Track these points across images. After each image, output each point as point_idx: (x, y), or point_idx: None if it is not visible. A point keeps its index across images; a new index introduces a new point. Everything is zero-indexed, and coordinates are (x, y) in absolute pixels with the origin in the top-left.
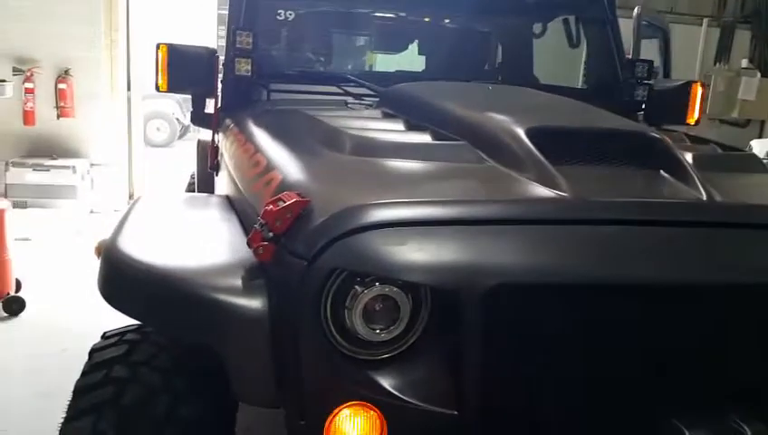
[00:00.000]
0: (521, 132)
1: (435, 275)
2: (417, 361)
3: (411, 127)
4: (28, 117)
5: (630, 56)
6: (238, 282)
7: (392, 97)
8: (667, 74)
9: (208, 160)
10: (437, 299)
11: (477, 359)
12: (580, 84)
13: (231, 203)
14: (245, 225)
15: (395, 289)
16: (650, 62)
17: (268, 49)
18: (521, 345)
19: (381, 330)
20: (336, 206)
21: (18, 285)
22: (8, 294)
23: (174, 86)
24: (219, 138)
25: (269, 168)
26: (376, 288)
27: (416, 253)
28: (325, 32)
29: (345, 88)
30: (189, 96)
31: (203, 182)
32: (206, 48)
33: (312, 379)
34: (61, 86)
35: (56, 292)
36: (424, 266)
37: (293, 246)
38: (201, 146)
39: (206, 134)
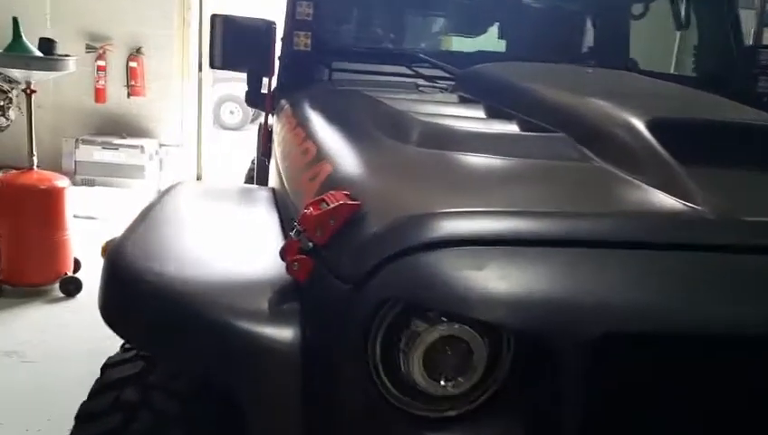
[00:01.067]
0: (640, 124)
1: (522, 315)
2: (494, 422)
3: (493, 114)
4: (99, 95)
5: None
6: (264, 305)
7: (470, 79)
8: None
9: (259, 146)
10: (524, 343)
11: (576, 422)
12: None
13: (276, 199)
14: (285, 229)
15: (467, 329)
16: None
17: (331, 22)
18: (637, 406)
19: (447, 381)
20: (393, 213)
21: (77, 265)
22: (66, 274)
23: (229, 62)
24: (273, 121)
25: (318, 158)
26: (442, 327)
27: (498, 282)
28: (396, 9)
29: (417, 69)
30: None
31: (262, 170)
32: (264, 20)
33: None
34: (132, 64)
35: None
36: (508, 302)
37: (337, 263)
38: (261, 131)
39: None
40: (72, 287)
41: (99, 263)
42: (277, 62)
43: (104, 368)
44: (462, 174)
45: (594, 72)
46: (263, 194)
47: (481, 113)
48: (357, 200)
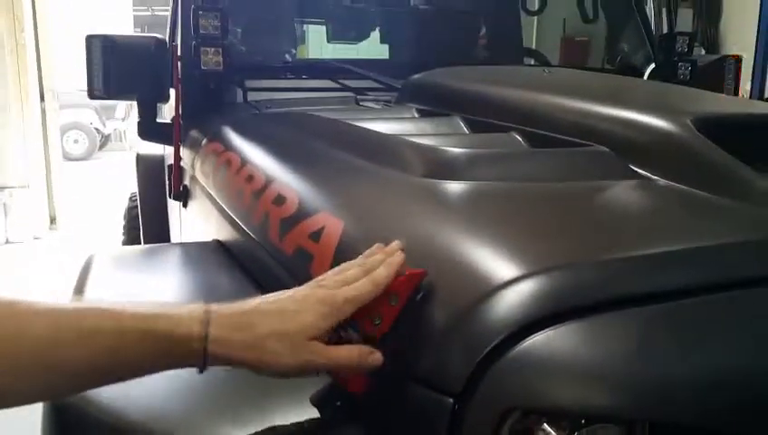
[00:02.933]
0: (691, 127)
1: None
2: None
3: (482, 127)
4: None
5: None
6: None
7: (423, 90)
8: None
9: (169, 186)
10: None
11: None
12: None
13: (234, 256)
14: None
15: (614, 427)
16: (691, 35)
17: (238, 35)
18: None
19: None
20: (482, 282)
21: None
22: None
23: (112, 90)
24: (184, 156)
25: (311, 208)
26: (587, 431)
27: (659, 362)
28: (285, 18)
29: (342, 82)
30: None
31: (149, 207)
32: (154, 38)
33: None
34: None
35: None
36: (681, 390)
37: (416, 363)
38: (142, 163)
39: (146, 147)
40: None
41: None
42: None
43: None
44: (522, 213)
45: (553, 71)
46: (209, 254)
47: (464, 129)
48: (417, 269)
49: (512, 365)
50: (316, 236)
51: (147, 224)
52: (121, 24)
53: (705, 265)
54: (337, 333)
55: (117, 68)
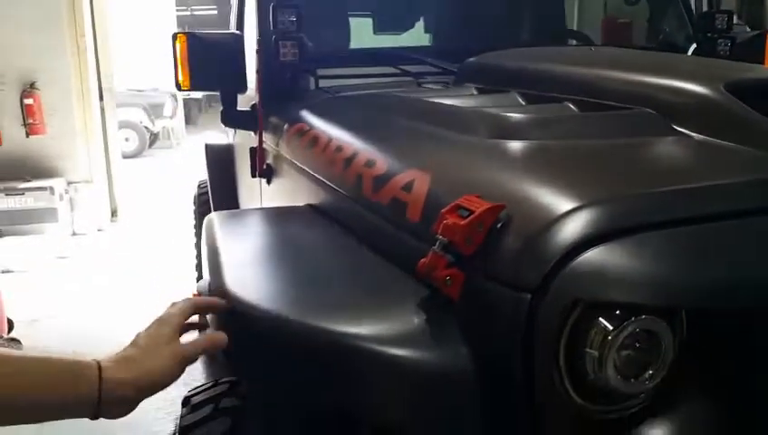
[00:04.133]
0: (722, 90)
1: (727, 294)
2: (678, 407)
3: (536, 100)
4: None
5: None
6: (420, 330)
7: (481, 70)
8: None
9: (252, 166)
10: (697, 324)
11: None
12: None
13: (326, 214)
14: (372, 243)
15: (657, 319)
16: (730, 13)
17: (311, 29)
18: None
19: (638, 376)
20: (551, 209)
21: (10, 325)
22: (1, 337)
23: (198, 82)
24: (266, 138)
25: (397, 167)
26: (636, 321)
27: (689, 265)
28: (339, 12)
29: (403, 68)
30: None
31: (220, 190)
32: (233, 34)
33: None
34: (27, 101)
35: (50, 329)
36: (710, 283)
37: (502, 271)
38: (211, 152)
39: (213, 137)
40: (12, 349)
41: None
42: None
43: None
44: (578, 162)
45: (599, 49)
46: (307, 213)
47: (521, 101)
48: (497, 202)
49: (577, 268)
50: (408, 187)
51: (218, 205)
52: (166, 25)
53: (728, 197)
54: (434, 252)
55: (200, 62)
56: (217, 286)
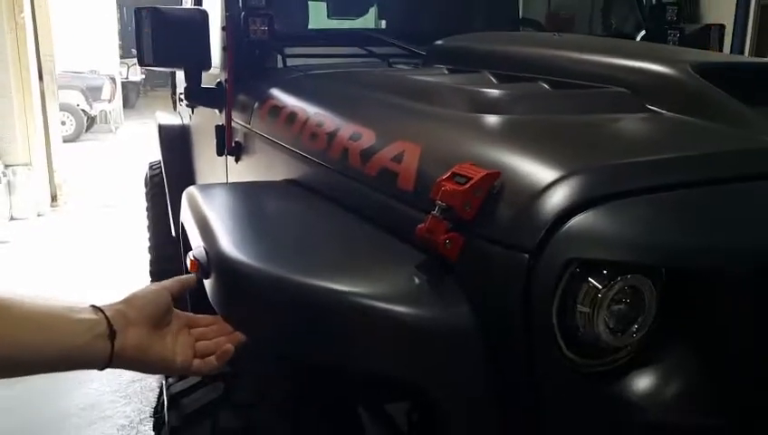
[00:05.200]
0: (694, 73)
1: (703, 253)
2: (663, 360)
3: (509, 80)
4: None
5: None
6: (424, 290)
7: (450, 52)
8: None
9: (218, 144)
10: (676, 282)
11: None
12: None
13: (305, 187)
14: (360, 212)
15: (642, 277)
16: (679, 4)
17: (281, 7)
18: None
19: (622, 331)
20: (543, 176)
21: None
22: None
23: (161, 58)
24: (234, 116)
25: (385, 139)
26: (623, 280)
27: (672, 227)
28: None
29: (370, 49)
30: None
31: (175, 170)
32: (198, 10)
33: (553, 418)
34: None
35: None
36: (687, 244)
37: (500, 233)
38: (165, 132)
39: (165, 118)
40: None
41: None
42: (218, 54)
43: (172, 399)
44: (562, 134)
45: (561, 35)
46: (287, 188)
47: (492, 79)
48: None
49: (569, 231)
50: (398, 158)
51: (173, 186)
52: (105, 6)
53: (702, 166)
54: (434, 216)
55: (164, 38)
56: (215, 252)
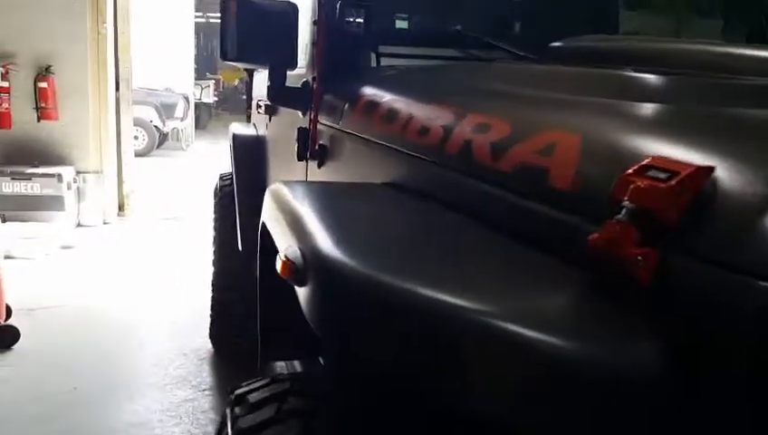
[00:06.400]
0: None
1: None
2: None
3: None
4: (4, 119)
5: None
6: (576, 318)
7: (574, 53)
8: None
9: (300, 148)
10: None
11: None
12: None
13: (410, 189)
14: (487, 218)
15: None
16: None
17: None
18: None
19: None
20: None
21: (8, 312)
22: None
23: (245, 53)
24: (320, 117)
25: (523, 130)
26: None
27: None
28: None
29: (470, 52)
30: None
31: (247, 181)
32: (288, 3)
33: None
34: (41, 84)
35: (50, 318)
36: None
37: (720, 251)
38: (239, 142)
39: (239, 129)
40: (7, 337)
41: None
42: (306, 50)
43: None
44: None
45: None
46: (385, 190)
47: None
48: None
49: None
50: (548, 150)
51: (244, 197)
52: (183, 27)
53: None
54: (619, 221)
55: (249, 32)
56: (316, 255)
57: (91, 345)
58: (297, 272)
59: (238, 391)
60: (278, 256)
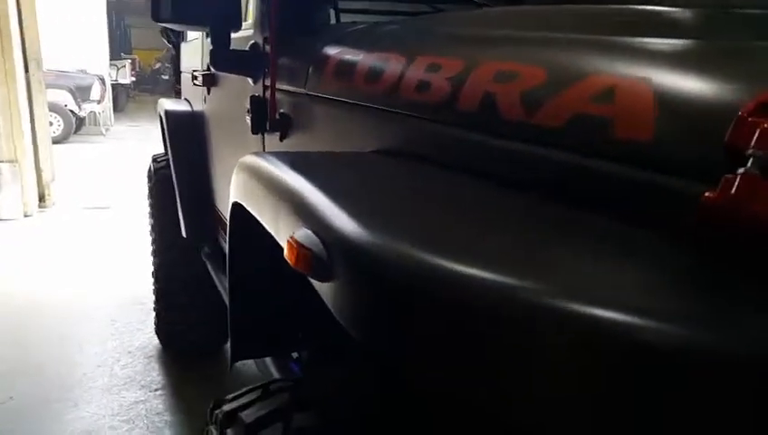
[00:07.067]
0: None
1: None
2: None
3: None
4: None
5: None
6: (677, 299)
7: None
8: None
9: (255, 120)
10: None
11: None
12: None
13: (410, 156)
14: (517, 182)
15: None
16: None
17: None
18: None
19: None
20: None
21: None
22: None
23: (183, 12)
24: (281, 84)
25: (565, 75)
26: None
27: None
28: None
29: (436, 6)
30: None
31: (185, 161)
32: None
33: None
34: None
35: None
36: None
37: None
38: (171, 119)
39: (171, 104)
40: None
41: None
42: (252, 8)
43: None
44: None
45: None
46: (371, 156)
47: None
48: None
49: None
50: (606, 96)
51: (184, 180)
52: (95, 5)
53: None
54: (750, 173)
55: None
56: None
57: (25, 350)
58: (318, 262)
59: (226, 408)
60: (289, 241)
